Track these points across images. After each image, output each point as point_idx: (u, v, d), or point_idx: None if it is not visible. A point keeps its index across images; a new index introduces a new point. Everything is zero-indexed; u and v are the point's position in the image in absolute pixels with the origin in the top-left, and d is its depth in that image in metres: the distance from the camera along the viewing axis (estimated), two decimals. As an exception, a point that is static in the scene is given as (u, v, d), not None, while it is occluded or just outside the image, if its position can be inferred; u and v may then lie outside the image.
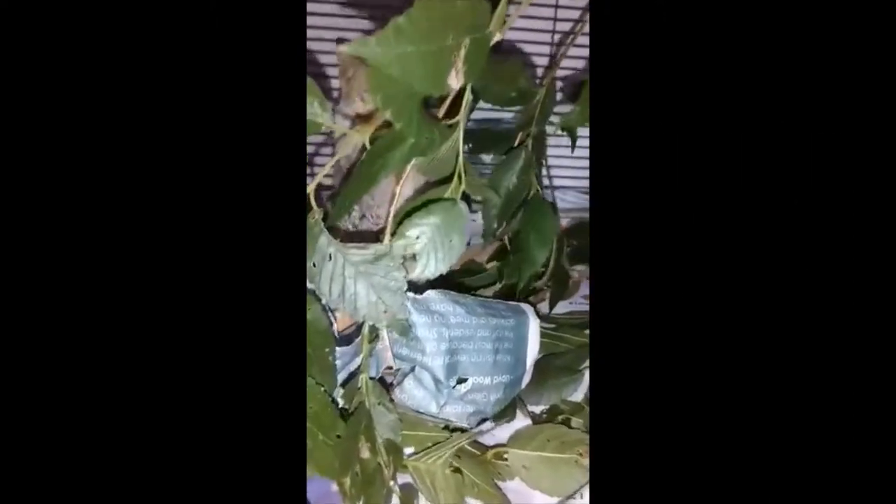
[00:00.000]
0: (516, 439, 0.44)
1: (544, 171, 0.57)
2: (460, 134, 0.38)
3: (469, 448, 0.43)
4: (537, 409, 0.51)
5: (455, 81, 0.33)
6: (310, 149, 0.55)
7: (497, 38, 0.35)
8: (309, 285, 0.38)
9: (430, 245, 0.36)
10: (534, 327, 0.47)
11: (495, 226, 0.51)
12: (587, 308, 0.62)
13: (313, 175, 0.37)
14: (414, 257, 0.36)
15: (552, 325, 0.59)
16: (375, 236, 0.42)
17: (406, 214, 0.37)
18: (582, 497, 0.39)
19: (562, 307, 0.61)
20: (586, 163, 0.68)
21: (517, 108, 0.50)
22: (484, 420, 0.45)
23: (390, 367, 0.41)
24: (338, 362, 0.38)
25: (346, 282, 0.38)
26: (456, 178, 0.38)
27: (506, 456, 0.44)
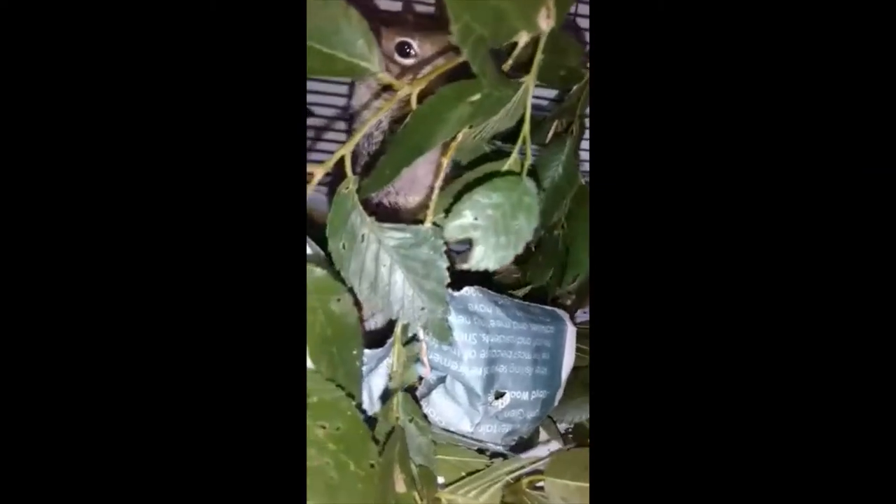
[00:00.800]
0: (553, 466, 0.38)
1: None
2: (529, 95, 0.31)
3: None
4: (562, 428, 0.45)
5: (545, 22, 0.27)
6: (331, 111, 0.47)
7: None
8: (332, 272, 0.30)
9: (492, 229, 0.29)
10: (571, 336, 0.41)
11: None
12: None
13: (350, 133, 0.29)
14: (470, 243, 0.29)
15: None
16: (412, 215, 0.35)
17: (464, 188, 0.30)
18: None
19: (579, 316, 0.56)
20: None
21: (563, 88, 0.44)
22: (520, 443, 0.38)
23: (420, 378, 0.34)
24: (365, 367, 0.31)
25: (379, 270, 0.30)
26: (522, 145, 0.32)
27: (540, 484, 0.37)
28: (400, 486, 0.27)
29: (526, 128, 0.32)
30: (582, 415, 0.46)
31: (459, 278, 0.34)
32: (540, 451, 0.39)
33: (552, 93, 0.51)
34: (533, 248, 0.48)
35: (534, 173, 0.44)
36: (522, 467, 0.34)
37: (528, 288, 0.46)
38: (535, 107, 0.37)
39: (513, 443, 0.38)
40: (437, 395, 0.35)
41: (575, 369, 0.48)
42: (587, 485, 0.38)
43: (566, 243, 0.44)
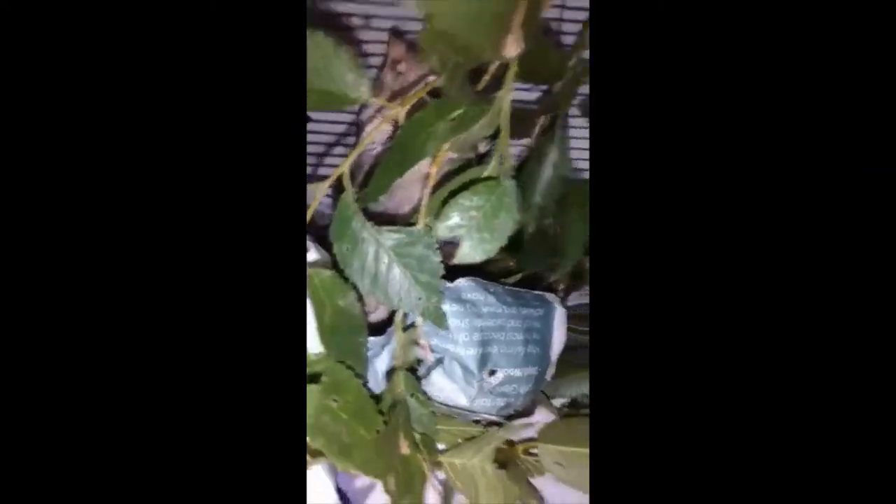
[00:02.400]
0: (546, 434, 0.42)
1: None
2: (505, 108, 0.35)
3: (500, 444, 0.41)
4: (557, 403, 0.50)
5: (512, 49, 0.31)
6: (341, 128, 0.52)
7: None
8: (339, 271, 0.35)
9: (475, 227, 0.34)
10: (560, 317, 0.46)
11: (532, 219, 0.48)
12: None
13: (347, 149, 0.34)
14: (457, 242, 0.34)
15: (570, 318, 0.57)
16: (406, 218, 0.40)
17: (450, 195, 0.34)
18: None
19: (574, 298, 0.60)
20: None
21: (546, 86, 0.47)
22: (513, 414, 0.43)
23: (420, 360, 0.39)
24: (370, 352, 0.36)
25: (379, 267, 0.35)
26: (498, 153, 0.36)
27: (534, 451, 0.42)
28: (404, 449, 0.32)
29: (504, 135, 0.37)
30: (577, 390, 0.51)
31: (456, 270, 0.39)
32: (532, 419, 0.44)
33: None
34: (526, 239, 0.52)
35: (523, 168, 0.49)
36: (514, 432, 0.38)
37: (520, 275, 0.50)
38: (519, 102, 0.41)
39: (507, 414, 0.42)
40: (437, 375, 0.40)
41: (570, 349, 0.53)
42: (578, 449, 0.42)
43: (557, 234, 0.48)
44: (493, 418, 0.41)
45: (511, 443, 0.42)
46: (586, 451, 0.41)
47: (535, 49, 0.43)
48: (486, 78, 0.36)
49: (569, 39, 0.55)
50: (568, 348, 0.52)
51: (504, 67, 0.36)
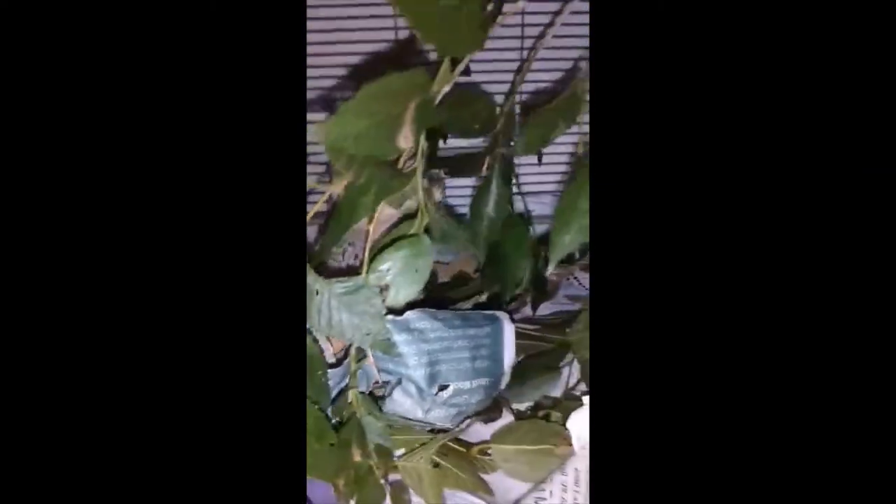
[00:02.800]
0: (499, 436, 0.50)
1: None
2: (419, 179, 0.43)
3: (455, 446, 0.48)
4: (522, 407, 0.56)
5: (405, 141, 0.39)
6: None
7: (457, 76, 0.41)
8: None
9: (400, 275, 0.42)
10: (508, 332, 0.53)
11: (480, 249, 0.56)
12: (569, 307, 0.67)
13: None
14: (387, 287, 0.42)
15: (536, 327, 0.64)
16: (357, 270, 0.48)
17: (379, 250, 0.42)
18: (552, 482, 0.45)
19: (545, 308, 0.66)
20: (558, 168, 0.73)
21: (482, 136, 0.55)
22: (466, 419, 0.50)
23: (377, 382, 0.47)
24: (331, 382, 0.44)
25: (332, 312, 0.44)
26: (419, 214, 0.44)
27: (489, 451, 0.49)
28: (356, 457, 0.41)
29: (420, 195, 0.44)
30: (539, 394, 0.57)
31: (415, 304, 0.47)
32: (488, 425, 0.51)
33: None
34: (481, 267, 0.59)
35: (473, 205, 0.56)
36: (460, 433, 0.46)
37: (486, 295, 0.58)
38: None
39: (461, 421, 0.50)
40: (398, 393, 0.48)
41: (534, 356, 0.60)
42: (527, 447, 0.49)
43: (504, 261, 0.55)
44: (447, 426, 0.48)
45: (469, 445, 0.49)
46: (531, 448, 0.48)
47: (463, 104, 0.50)
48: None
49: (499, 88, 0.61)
50: (534, 355, 0.59)
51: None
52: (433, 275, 0.63)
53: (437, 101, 0.40)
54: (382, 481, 0.41)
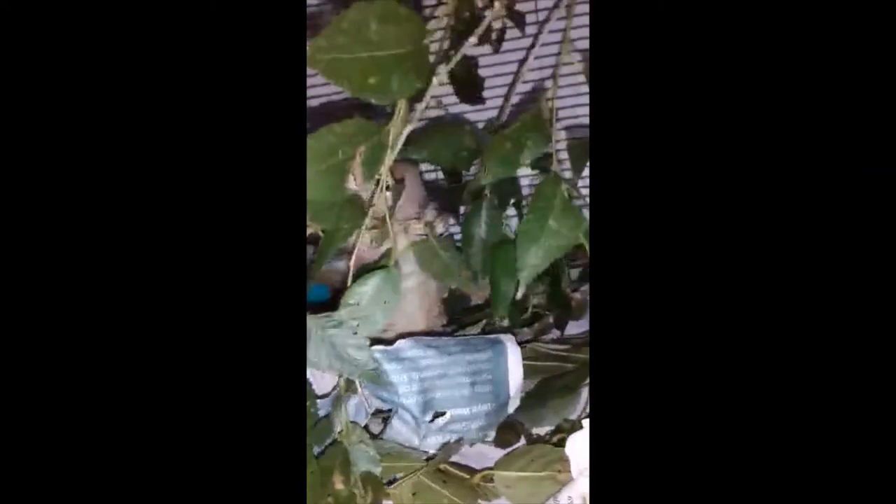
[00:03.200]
0: (503, 461, 0.49)
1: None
2: (387, 215, 0.45)
3: (457, 472, 0.48)
4: (542, 431, 0.55)
5: (355, 184, 0.41)
6: None
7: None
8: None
9: (369, 308, 0.44)
10: (514, 355, 0.52)
11: (478, 270, 0.56)
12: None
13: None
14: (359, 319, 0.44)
15: (565, 347, 0.62)
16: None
17: (350, 285, 0.45)
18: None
19: (573, 327, 0.64)
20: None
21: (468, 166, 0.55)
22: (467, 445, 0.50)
23: (379, 411, 0.49)
24: (320, 412, 0.47)
25: (318, 345, 0.46)
26: (391, 251, 0.46)
27: (492, 477, 0.48)
28: (338, 485, 0.42)
29: (391, 232, 0.46)
30: (558, 417, 0.55)
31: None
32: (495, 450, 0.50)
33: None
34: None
35: (467, 228, 0.56)
36: (444, 458, 0.46)
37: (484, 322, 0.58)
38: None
39: (462, 448, 0.50)
40: (395, 421, 0.49)
41: (554, 377, 0.58)
42: (530, 474, 0.48)
43: (494, 283, 0.55)
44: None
45: (472, 472, 0.49)
46: (533, 474, 0.47)
47: (445, 139, 0.52)
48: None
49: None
50: (554, 377, 0.58)
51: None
52: (464, 298, 0.65)
53: (401, 142, 0.42)
54: (368, 510, 0.42)
